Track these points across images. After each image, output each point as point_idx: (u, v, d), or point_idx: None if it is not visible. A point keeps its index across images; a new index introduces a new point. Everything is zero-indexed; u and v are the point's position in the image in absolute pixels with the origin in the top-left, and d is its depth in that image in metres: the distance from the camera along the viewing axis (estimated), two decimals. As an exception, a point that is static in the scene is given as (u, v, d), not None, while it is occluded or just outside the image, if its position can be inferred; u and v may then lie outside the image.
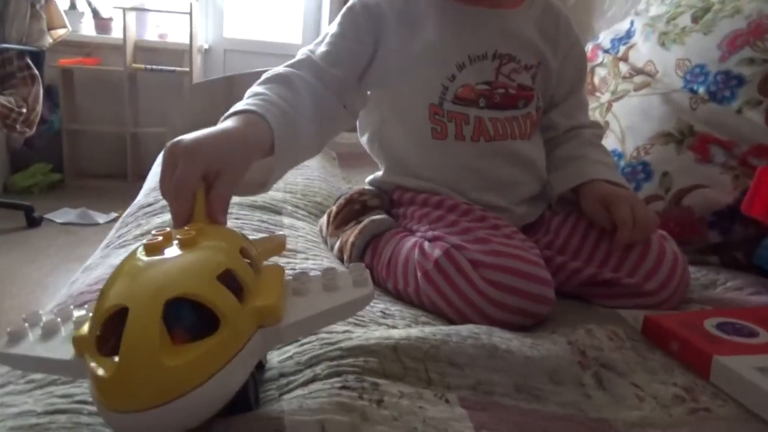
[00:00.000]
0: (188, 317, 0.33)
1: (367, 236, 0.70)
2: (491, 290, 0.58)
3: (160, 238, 0.37)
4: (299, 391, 0.40)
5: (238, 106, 0.55)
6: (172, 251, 0.36)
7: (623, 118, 0.96)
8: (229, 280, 0.36)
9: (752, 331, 0.58)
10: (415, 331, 0.50)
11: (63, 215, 2.33)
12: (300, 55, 0.70)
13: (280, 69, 0.65)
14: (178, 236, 0.37)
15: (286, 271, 0.46)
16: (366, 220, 0.72)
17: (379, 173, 0.79)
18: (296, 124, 0.58)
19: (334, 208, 0.78)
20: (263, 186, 0.58)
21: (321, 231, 0.81)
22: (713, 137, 0.86)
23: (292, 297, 0.40)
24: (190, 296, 0.32)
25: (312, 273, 0.43)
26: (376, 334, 0.48)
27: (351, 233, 0.72)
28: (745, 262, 0.81)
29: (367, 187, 0.79)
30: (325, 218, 0.80)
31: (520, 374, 0.49)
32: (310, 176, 1.04)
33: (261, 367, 0.42)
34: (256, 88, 0.61)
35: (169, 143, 0.46)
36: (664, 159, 0.88)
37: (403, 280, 0.64)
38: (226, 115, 0.54)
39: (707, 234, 0.83)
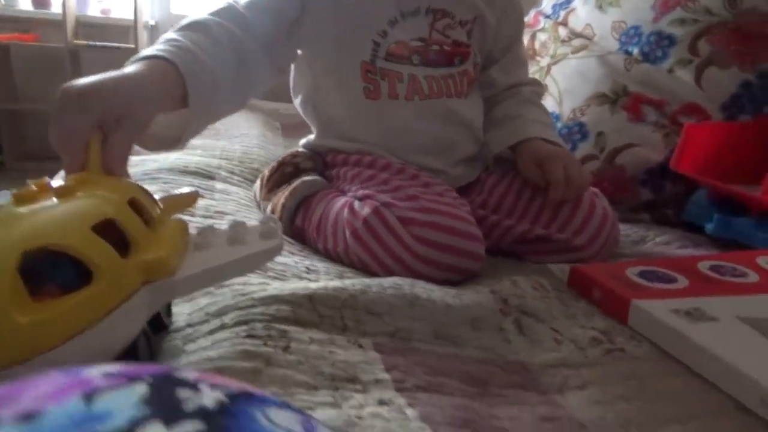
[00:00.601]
0: (66, 273, 0.31)
1: (298, 197, 0.69)
2: (420, 247, 0.57)
3: (35, 188, 0.34)
4: (203, 341, 0.39)
5: (146, 51, 0.52)
6: (47, 201, 0.33)
7: (561, 81, 0.97)
8: (111, 231, 0.33)
9: (672, 278, 0.59)
10: (334, 283, 0.49)
11: (3, 198, 2.24)
12: (224, 4, 0.66)
13: (199, 16, 0.61)
14: (54, 186, 0.34)
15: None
16: (297, 182, 0.70)
17: (312, 136, 0.78)
18: (213, 74, 0.55)
19: (266, 172, 0.77)
20: (177, 141, 0.55)
21: (255, 196, 0.79)
22: (646, 97, 0.87)
23: (194, 251, 0.38)
24: (54, 247, 0.30)
25: (221, 227, 0.41)
26: (292, 285, 0.47)
27: (282, 195, 0.70)
28: (675, 219, 0.83)
29: (301, 149, 0.77)
30: (258, 182, 0.79)
31: (440, 322, 0.48)
32: (248, 144, 1.02)
33: (163, 326, 0.40)
34: (168, 34, 0.57)
35: (61, 87, 0.43)
36: (599, 119, 0.89)
37: (332, 239, 0.63)
38: (130, 60, 0.51)
39: (639, 192, 0.85)
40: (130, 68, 0.48)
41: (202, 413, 0.13)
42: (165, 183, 0.73)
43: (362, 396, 0.36)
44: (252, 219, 0.67)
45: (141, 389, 0.14)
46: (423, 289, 0.52)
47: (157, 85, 0.48)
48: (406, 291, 0.50)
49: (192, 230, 0.41)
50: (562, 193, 0.67)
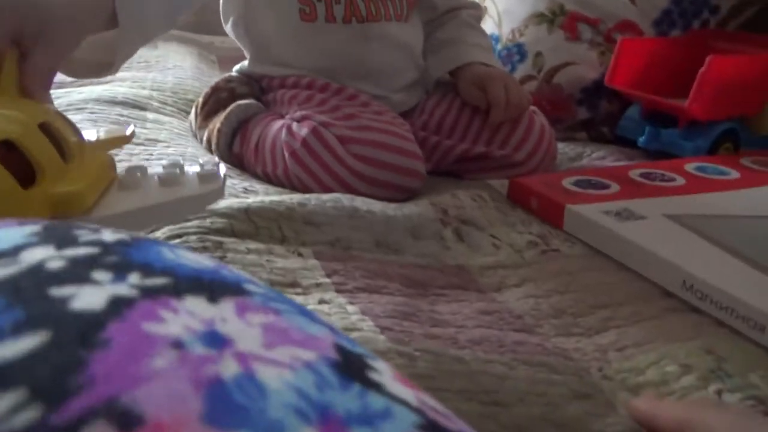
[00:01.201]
0: None
1: (234, 122, 0.67)
2: (360, 165, 0.57)
3: None
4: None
5: None
6: None
7: (500, 2, 0.95)
8: (12, 158, 0.30)
9: (604, 185, 0.61)
10: (271, 197, 0.48)
11: None
12: None
13: None
14: None
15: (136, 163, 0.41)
16: (232, 106, 0.68)
17: (245, 62, 0.74)
18: None
19: (201, 99, 0.73)
20: (108, 67, 0.52)
21: (191, 125, 0.76)
22: (582, 15, 0.87)
23: (118, 191, 0.36)
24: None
25: (154, 168, 0.38)
26: (228, 201, 0.46)
27: (218, 121, 0.68)
28: (611, 137, 0.85)
29: (235, 74, 0.74)
30: (193, 110, 0.75)
31: (380, 232, 0.49)
32: (182, 75, 0.97)
33: None
34: None
35: None
36: (537, 39, 0.89)
37: (271, 162, 0.62)
38: None
39: (576, 111, 0.86)
40: None
41: (98, 242, 0.12)
42: (91, 113, 0.69)
43: (302, 298, 0.36)
44: (188, 154, 0.64)
45: (34, 228, 0.13)
46: (363, 202, 0.52)
47: (82, 2, 0.44)
48: (346, 204, 0.50)
49: (121, 169, 0.38)
50: (503, 114, 0.67)
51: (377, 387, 0.12)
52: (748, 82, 0.74)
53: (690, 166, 0.67)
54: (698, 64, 0.72)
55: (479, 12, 0.81)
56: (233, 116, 0.66)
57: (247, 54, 0.74)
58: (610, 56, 0.84)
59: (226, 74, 0.75)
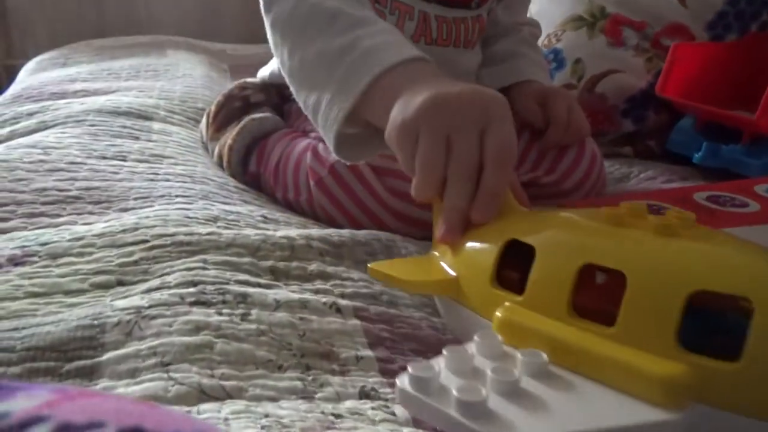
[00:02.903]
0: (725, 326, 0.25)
1: (247, 138, 0.60)
2: (395, 201, 0.50)
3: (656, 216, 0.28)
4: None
5: (408, 52, 0.40)
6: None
7: (533, 4, 0.88)
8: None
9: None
10: (300, 230, 0.41)
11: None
12: None
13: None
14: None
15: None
16: (245, 120, 0.61)
17: (275, 67, 0.66)
18: None
19: (212, 107, 0.67)
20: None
21: (201, 136, 0.70)
22: (625, 18, 0.80)
23: None
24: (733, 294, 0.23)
25: None
26: (249, 232, 0.40)
27: (229, 136, 0.61)
28: (659, 151, 0.78)
29: (250, 79, 0.68)
30: (204, 120, 0.69)
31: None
32: (191, 84, 0.91)
33: None
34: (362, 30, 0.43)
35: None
36: (576, 45, 0.82)
37: (293, 188, 0.55)
38: (405, 61, 0.39)
39: (621, 123, 0.79)
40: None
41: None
42: (91, 126, 0.63)
43: (340, 380, 0.29)
44: (198, 173, 0.57)
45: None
46: (403, 243, 0.45)
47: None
48: (384, 243, 0.44)
49: None
50: (562, 136, 0.61)
51: None
52: (820, 93, 0.66)
53: (761, 188, 0.59)
54: (758, 71, 0.65)
55: (538, 30, 0.75)
56: (247, 132, 0.60)
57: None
58: (657, 63, 0.77)
59: (241, 80, 0.68)
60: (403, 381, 0.23)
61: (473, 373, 0.24)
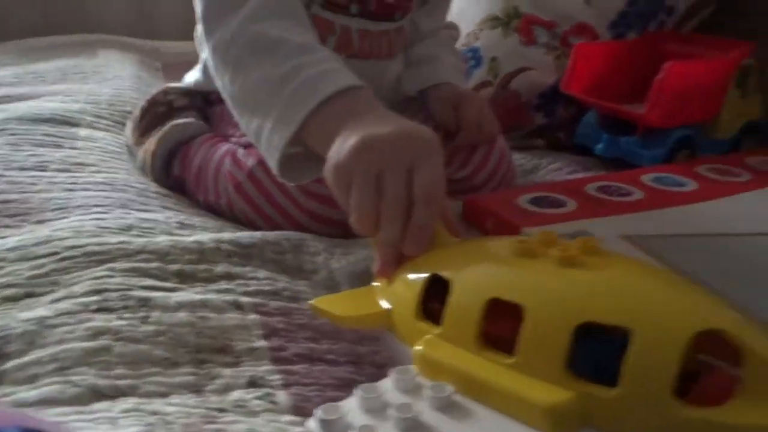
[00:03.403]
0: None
1: (170, 143, 0.62)
2: (311, 203, 0.53)
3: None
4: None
5: (346, 80, 0.42)
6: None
7: (454, 4, 0.92)
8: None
9: (561, 202, 0.59)
10: (211, 234, 0.44)
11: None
12: None
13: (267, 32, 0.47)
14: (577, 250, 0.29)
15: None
16: (168, 125, 0.63)
17: (198, 75, 0.67)
18: None
19: (137, 112, 0.68)
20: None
21: (127, 140, 0.71)
22: (536, 18, 0.85)
23: None
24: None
25: None
26: (161, 239, 0.42)
27: (152, 141, 0.63)
28: (568, 143, 0.83)
29: (174, 84, 0.69)
30: (128, 125, 0.70)
31: (326, 278, 0.45)
32: (119, 86, 0.91)
33: None
34: (310, 57, 0.44)
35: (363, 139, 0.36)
36: (492, 44, 0.86)
37: (214, 192, 0.58)
38: (344, 89, 0.41)
39: (533, 117, 0.84)
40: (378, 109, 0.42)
41: None
42: (12, 135, 0.64)
43: (231, 371, 0.32)
44: (119, 180, 0.58)
45: None
46: (313, 241, 0.49)
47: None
48: (295, 244, 0.47)
49: None
50: (474, 138, 0.65)
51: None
52: (705, 88, 0.73)
53: (647, 178, 0.65)
54: (654, 68, 0.70)
55: (456, 32, 0.78)
56: (170, 138, 0.62)
57: (202, 64, 0.67)
58: (566, 60, 0.82)
59: (165, 85, 0.70)
60: (313, 424, 0.25)
61: (382, 410, 0.25)
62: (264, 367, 0.33)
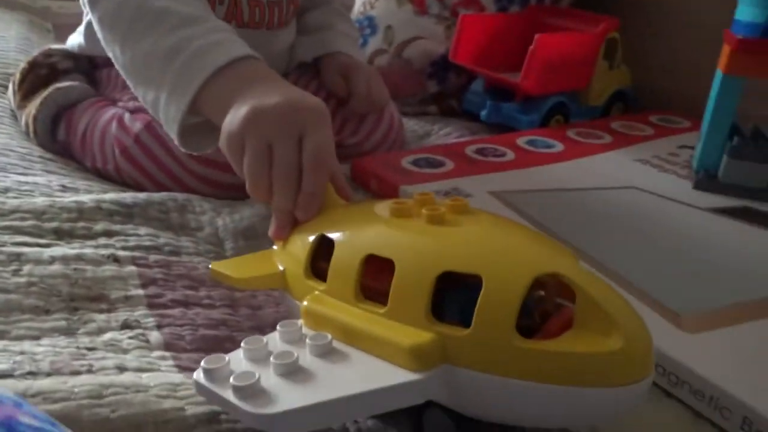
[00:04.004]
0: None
1: (52, 107, 0.61)
2: (199, 166, 0.54)
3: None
4: None
5: (237, 50, 0.43)
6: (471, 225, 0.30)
7: (351, -28, 0.94)
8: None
9: (440, 162, 0.64)
10: (92, 195, 0.45)
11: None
12: None
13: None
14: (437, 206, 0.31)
15: None
16: (50, 88, 0.62)
17: (81, 39, 0.66)
18: None
19: (17, 74, 0.66)
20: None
21: (10, 103, 0.69)
22: (429, -12, 0.89)
23: None
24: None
25: None
26: (40, 200, 0.43)
27: (34, 105, 0.62)
28: (460, 109, 0.88)
29: (57, 46, 0.68)
30: (10, 87, 0.68)
31: (211, 234, 0.47)
32: (4, 48, 0.87)
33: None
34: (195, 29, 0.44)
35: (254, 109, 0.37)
36: (387, 12, 0.89)
37: (101, 156, 0.58)
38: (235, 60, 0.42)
39: (426, 84, 0.89)
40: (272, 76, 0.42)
41: None
42: None
43: (105, 316, 0.34)
44: (12, 138, 0.56)
45: None
46: (199, 203, 0.51)
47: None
48: (179, 204, 0.49)
49: None
50: (363, 107, 0.68)
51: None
52: (575, 58, 0.79)
53: (522, 140, 0.71)
54: (533, 40, 0.76)
55: (351, 1, 0.80)
56: (51, 101, 0.61)
57: (84, 29, 0.65)
58: (455, 30, 0.86)
59: (46, 47, 0.68)
60: (198, 374, 0.26)
61: (265, 359, 0.27)
62: (139, 312, 0.35)
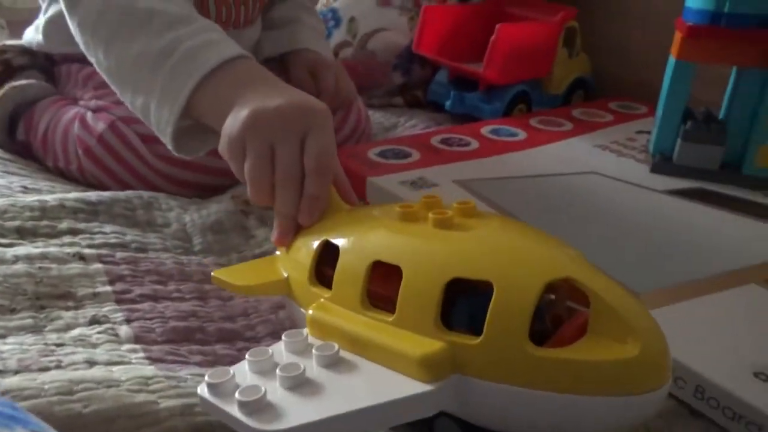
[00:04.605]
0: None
1: (9, 106, 0.60)
2: (162, 165, 0.54)
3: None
4: None
5: (230, 51, 0.41)
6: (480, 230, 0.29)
7: (313, -35, 0.94)
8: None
9: (406, 153, 0.64)
10: (55, 195, 0.45)
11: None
12: None
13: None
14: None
15: None
16: (6, 87, 0.61)
17: (39, 37, 0.64)
18: None
19: (-28, 73, 0.65)
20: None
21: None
22: (391, -20, 0.89)
23: None
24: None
25: None
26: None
27: (-10, 104, 0.60)
28: (425, 100, 0.89)
29: (12, 42, 0.66)
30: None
31: (178, 230, 0.47)
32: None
33: None
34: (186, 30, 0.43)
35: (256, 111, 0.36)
36: (350, 4, 0.90)
37: (63, 157, 0.57)
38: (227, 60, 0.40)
39: (392, 76, 0.89)
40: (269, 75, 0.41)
41: None
42: None
43: (72, 313, 0.34)
44: None
45: None
46: (164, 200, 0.50)
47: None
48: (144, 202, 0.48)
49: None
50: (331, 103, 0.68)
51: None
52: (535, 47, 0.81)
53: (485, 130, 0.72)
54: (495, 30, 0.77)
55: None
56: (8, 100, 0.60)
57: (43, 26, 0.63)
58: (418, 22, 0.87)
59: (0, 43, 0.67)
60: (202, 388, 0.25)
61: (271, 371, 0.26)
62: (107, 308, 0.35)
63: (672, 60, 0.63)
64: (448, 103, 0.81)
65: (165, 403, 0.27)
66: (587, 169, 0.63)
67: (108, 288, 0.37)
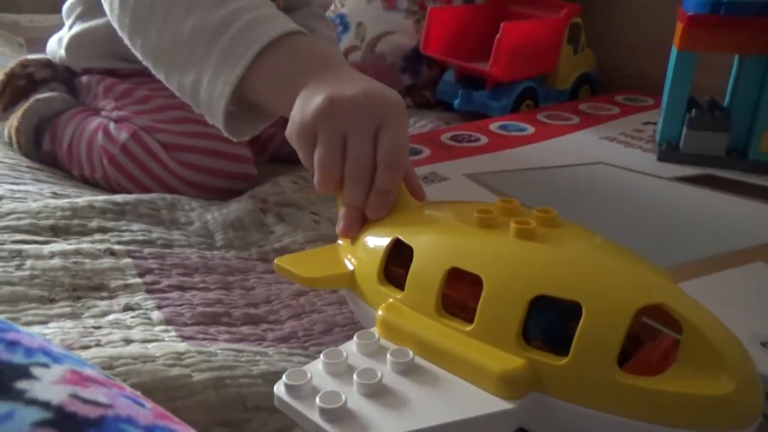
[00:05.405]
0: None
1: (34, 119, 0.62)
2: (185, 171, 0.56)
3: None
4: None
5: (290, 25, 0.40)
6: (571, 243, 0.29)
7: (320, -27, 0.96)
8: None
9: (418, 150, 0.66)
10: (84, 198, 0.47)
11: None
12: None
13: None
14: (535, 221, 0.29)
15: None
16: (31, 100, 0.63)
17: (62, 52, 0.65)
18: None
19: (-5, 86, 0.67)
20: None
21: (-10, 116, 0.70)
22: (396, -16, 0.91)
23: None
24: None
25: None
26: (33, 205, 0.45)
27: (15, 117, 0.63)
28: (433, 100, 0.91)
29: (32, 56, 0.69)
30: (-12, 98, 0.69)
31: (200, 228, 0.49)
32: (-21, 63, 0.87)
33: None
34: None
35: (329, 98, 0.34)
36: (357, 9, 0.92)
37: (88, 166, 0.59)
38: (288, 33, 0.39)
39: (400, 78, 0.91)
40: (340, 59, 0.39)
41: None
42: None
43: (107, 303, 0.36)
44: None
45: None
46: (186, 201, 0.52)
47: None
48: (167, 203, 0.51)
49: None
50: None
51: (16, 393, 0.14)
52: (540, 44, 0.83)
53: (494, 126, 0.74)
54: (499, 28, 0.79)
55: (328, 1, 0.81)
56: (33, 113, 0.62)
57: (67, 42, 0.64)
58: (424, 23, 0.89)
59: (21, 58, 0.69)
60: (279, 387, 0.25)
61: (346, 373, 0.26)
62: (139, 297, 0.37)
63: (674, 51, 0.64)
64: (456, 102, 0.83)
65: (198, 377, 0.29)
66: (595, 160, 0.64)
67: (138, 280, 0.39)
